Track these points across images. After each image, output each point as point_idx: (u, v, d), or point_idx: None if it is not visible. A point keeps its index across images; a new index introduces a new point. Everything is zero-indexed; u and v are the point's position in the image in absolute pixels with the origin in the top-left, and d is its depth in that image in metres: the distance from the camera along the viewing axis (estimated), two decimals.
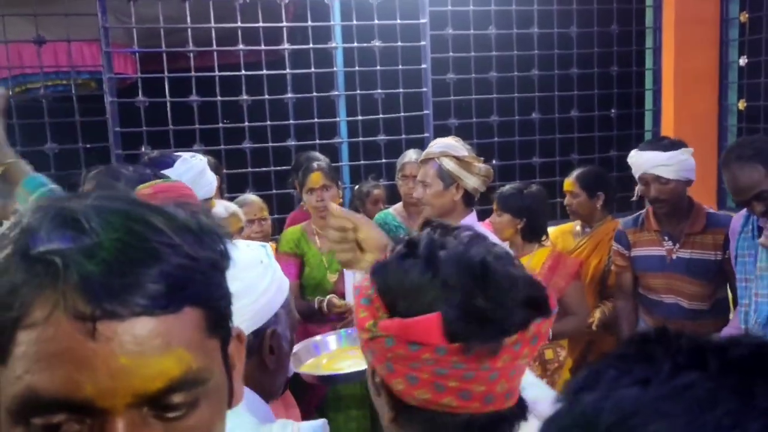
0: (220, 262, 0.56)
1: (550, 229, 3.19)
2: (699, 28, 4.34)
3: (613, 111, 4.49)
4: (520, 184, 2.86)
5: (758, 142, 2.09)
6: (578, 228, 3.09)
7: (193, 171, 1.61)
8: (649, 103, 4.55)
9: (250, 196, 2.95)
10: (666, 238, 2.66)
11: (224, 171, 3.73)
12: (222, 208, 2.37)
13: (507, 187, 2.85)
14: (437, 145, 2.24)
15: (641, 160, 2.64)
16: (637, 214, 2.87)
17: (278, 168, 3.88)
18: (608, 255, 2.97)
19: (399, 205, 3.19)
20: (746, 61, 4.25)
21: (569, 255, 2.94)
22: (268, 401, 1.07)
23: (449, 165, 2.18)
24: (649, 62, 4.51)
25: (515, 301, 0.77)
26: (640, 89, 4.56)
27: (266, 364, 1.02)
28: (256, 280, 0.99)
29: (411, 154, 3.17)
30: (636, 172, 2.70)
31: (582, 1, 4.31)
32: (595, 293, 2.98)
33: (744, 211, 2.30)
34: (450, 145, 2.24)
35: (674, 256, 2.60)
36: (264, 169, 3.86)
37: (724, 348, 0.38)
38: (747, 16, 4.22)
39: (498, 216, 2.77)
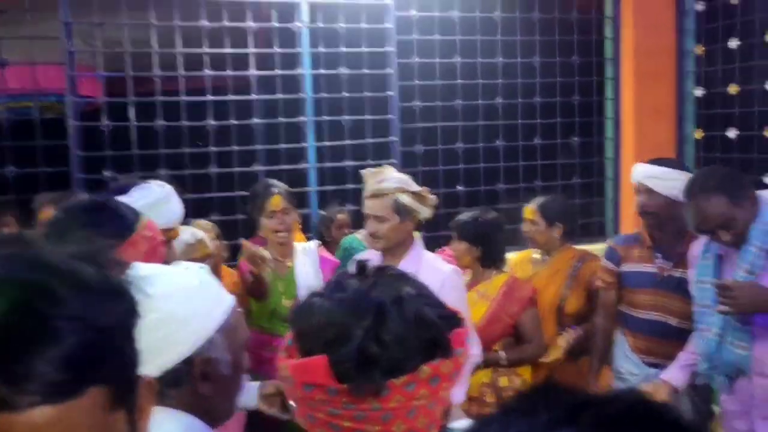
0: (128, 321, 0.53)
1: (511, 256, 3.23)
2: (656, 60, 4.48)
3: (575, 139, 4.59)
4: (477, 212, 2.89)
5: (719, 173, 2.15)
6: (537, 256, 3.13)
7: (149, 198, 1.60)
8: (609, 131, 4.67)
9: (201, 222, 2.92)
10: (659, 255, 2.70)
11: (189, 195, 3.73)
12: (189, 234, 2.35)
13: (464, 215, 2.89)
14: (391, 180, 2.27)
15: (638, 170, 2.75)
16: (630, 234, 2.97)
17: (244, 193, 3.88)
18: (565, 283, 3.01)
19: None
20: (702, 92, 4.40)
21: (525, 282, 2.99)
22: (215, 426, 1.06)
23: (406, 200, 2.24)
24: (609, 92, 4.64)
25: (408, 343, 0.79)
26: (601, 118, 4.68)
27: (200, 392, 1.00)
28: (175, 310, 0.96)
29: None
30: (633, 181, 2.78)
31: (544, 32, 4.42)
32: (552, 322, 3.00)
33: (704, 238, 2.36)
34: (403, 179, 2.30)
35: (666, 274, 2.65)
36: (229, 193, 3.85)
37: (601, 404, 0.38)
38: (703, 48, 4.38)
39: (457, 243, 2.80)
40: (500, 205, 4.40)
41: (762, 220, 2.08)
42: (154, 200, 1.61)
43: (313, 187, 4.03)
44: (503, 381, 2.70)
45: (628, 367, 2.77)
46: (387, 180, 2.24)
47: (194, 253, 2.29)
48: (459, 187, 4.30)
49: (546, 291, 3.01)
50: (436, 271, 2.23)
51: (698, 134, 4.45)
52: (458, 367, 0.83)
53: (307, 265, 2.77)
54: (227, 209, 3.84)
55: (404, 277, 0.88)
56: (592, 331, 2.91)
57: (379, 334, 0.79)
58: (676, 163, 2.79)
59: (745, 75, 4.07)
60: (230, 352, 1.04)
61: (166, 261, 1.72)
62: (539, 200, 3.11)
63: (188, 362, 0.98)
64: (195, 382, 1.00)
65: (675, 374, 2.35)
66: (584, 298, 3.02)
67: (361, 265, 0.89)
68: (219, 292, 1.08)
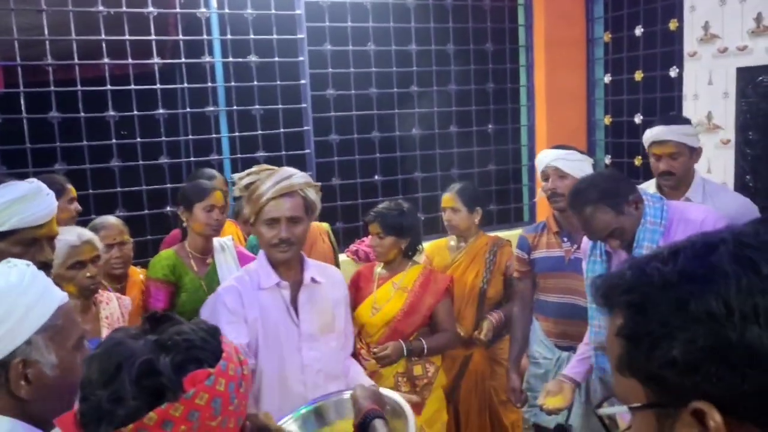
0: None
1: (426, 245, 3.21)
2: (567, 48, 4.57)
3: (490, 126, 4.62)
4: (394, 203, 2.82)
5: (599, 183, 2.14)
6: (452, 243, 3.12)
7: (14, 194, 1.45)
8: (524, 118, 4.73)
9: (109, 219, 2.74)
10: (565, 239, 2.74)
11: (91, 191, 3.53)
12: (74, 235, 2.20)
13: (383, 209, 2.75)
14: (296, 176, 2.02)
15: (545, 155, 2.79)
16: (538, 223, 2.99)
17: (150, 187, 3.70)
18: (485, 268, 3.03)
19: None
20: (610, 78, 4.51)
21: (442, 271, 2.98)
22: (47, 429, 1.03)
23: (312, 195, 2.04)
24: (523, 79, 4.69)
25: (131, 395, 0.85)
26: (516, 105, 4.73)
27: (20, 396, 0.99)
28: None
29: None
30: (539, 167, 2.80)
31: (457, 20, 4.42)
32: (475, 306, 3.01)
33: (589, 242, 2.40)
34: (304, 174, 2.07)
35: (572, 257, 2.68)
36: (135, 188, 3.67)
37: None
38: (610, 36, 4.48)
39: (380, 239, 2.70)
40: (418, 194, 4.39)
41: (646, 219, 2.13)
42: (20, 196, 1.49)
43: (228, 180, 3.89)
44: (417, 369, 2.69)
45: (541, 352, 2.80)
46: (294, 176, 1.99)
47: (80, 255, 2.14)
48: (376, 177, 4.26)
49: (466, 276, 3.02)
50: (331, 277, 2.17)
51: (607, 120, 4.57)
52: (194, 407, 0.86)
53: (228, 261, 2.68)
54: (133, 205, 3.66)
55: (179, 323, 0.94)
56: (509, 315, 2.93)
57: (115, 389, 0.85)
58: (575, 147, 2.86)
59: (649, 62, 4.19)
60: (57, 353, 1.02)
61: (41, 261, 1.59)
62: (457, 187, 3.09)
63: (3, 365, 0.97)
64: (12, 385, 0.98)
65: (575, 369, 2.39)
66: (502, 283, 3.05)
67: (152, 317, 0.95)
68: (44, 291, 1.06)
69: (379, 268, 2.79)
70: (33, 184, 1.58)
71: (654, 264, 0.63)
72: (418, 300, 2.68)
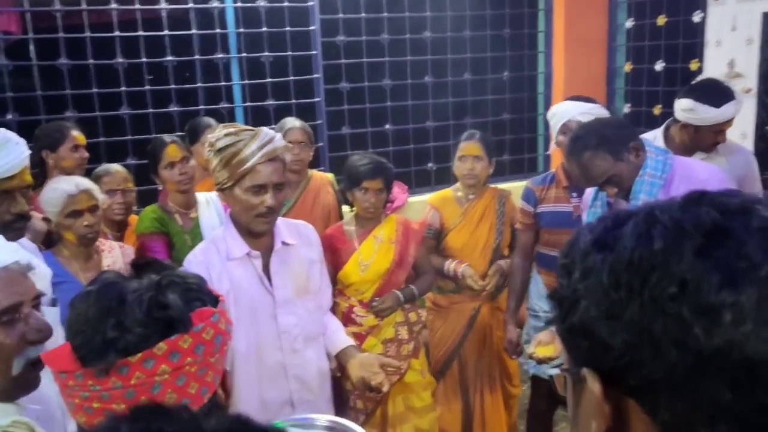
0: None
1: (428, 196, 3.19)
2: None
3: (505, 74, 4.51)
4: (370, 156, 2.68)
5: (599, 129, 2.09)
6: (459, 194, 3.07)
7: None
8: (541, 65, 4.60)
9: (113, 166, 2.76)
10: (574, 194, 2.70)
11: (102, 138, 3.56)
12: (72, 184, 2.23)
13: (376, 162, 2.62)
14: (277, 138, 1.89)
15: (567, 108, 2.72)
16: (546, 173, 2.91)
17: (160, 135, 3.71)
18: (498, 220, 3.01)
19: None
20: (633, 23, 4.34)
21: (454, 224, 2.98)
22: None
23: (287, 159, 1.95)
24: (541, 24, 4.55)
25: (140, 325, 0.85)
26: (533, 51, 4.60)
27: None
28: None
29: (293, 121, 3.08)
30: (559, 121, 2.73)
31: None
32: (487, 259, 2.98)
33: (592, 190, 2.35)
34: (279, 135, 1.93)
35: (581, 212, 2.63)
36: (145, 136, 3.68)
37: None
38: None
39: (379, 194, 2.62)
40: (429, 144, 4.34)
41: (646, 171, 2.07)
42: None
43: None
44: (413, 316, 2.73)
45: (541, 305, 2.80)
46: (274, 138, 1.87)
47: (77, 204, 2.18)
48: (387, 126, 4.21)
49: (481, 229, 2.99)
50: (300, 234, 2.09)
51: (628, 67, 4.42)
52: (201, 340, 0.88)
53: (212, 216, 2.68)
54: (143, 153, 3.68)
55: (169, 267, 0.96)
56: (510, 268, 2.92)
57: (119, 320, 0.85)
58: (594, 99, 2.82)
59: (672, 5, 4.02)
60: None
61: (16, 212, 1.61)
62: (479, 134, 2.99)
63: None
64: None
65: None
66: (510, 234, 3.03)
67: (137, 263, 0.96)
68: None
69: (350, 226, 2.73)
70: (0, 133, 1.57)
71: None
72: (405, 249, 2.70)
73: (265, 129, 1.90)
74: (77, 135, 2.86)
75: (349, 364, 2.06)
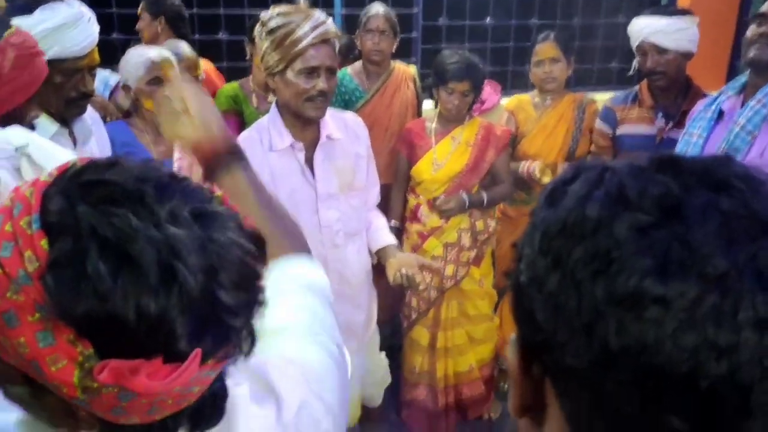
0: None
1: (505, 100, 3.03)
2: None
3: None
4: (462, 54, 2.51)
5: None
6: (537, 99, 2.88)
7: (54, 20, 1.49)
8: None
9: (185, 49, 2.73)
10: (660, 115, 2.47)
11: (195, 10, 3.57)
12: (155, 52, 2.26)
13: (466, 60, 2.46)
14: (330, 22, 1.79)
15: (639, 27, 2.45)
16: (629, 90, 2.67)
17: (228, 11, 3.65)
18: (575, 126, 2.84)
19: (358, 64, 3.02)
20: None
21: (529, 129, 2.84)
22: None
23: (338, 45, 1.87)
24: None
25: None
26: None
27: None
28: None
29: (377, 7, 2.94)
30: (634, 42, 2.49)
31: None
32: (560, 166, 2.85)
33: (710, 98, 2.11)
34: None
35: (665, 136, 2.43)
36: (211, 10, 3.63)
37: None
38: None
39: (464, 97, 2.48)
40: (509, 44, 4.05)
41: None
42: (60, 24, 1.50)
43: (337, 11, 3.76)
44: (480, 225, 2.66)
45: None
46: (327, 20, 1.80)
47: (159, 71, 2.20)
48: (488, 20, 3.95)
49: (556, 134, 2.84)
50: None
51: None
52: None
53: None
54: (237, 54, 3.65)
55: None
56: None
57: None
58: (678, 11, 2.44)
59: None
60: None
61: (83, 91, 1.65)
62: (552, 34, 2.75)
63: None
64: None
65: None
66: (588, 144, 2.86)
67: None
68: None
69: (431, 123, 2.64)
70: (74, 9, 1.56)
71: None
72: (482, 154, 2.59)
73: (317, 11, 1.82)
74: None
75: (388, 262, 2.04)
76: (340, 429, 0.80)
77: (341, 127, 2.00)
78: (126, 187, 0.57)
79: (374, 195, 2.18)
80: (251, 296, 0.62)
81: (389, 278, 2.01)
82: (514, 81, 4.07)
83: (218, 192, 0.67)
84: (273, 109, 1.95)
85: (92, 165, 0.62)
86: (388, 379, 2.50)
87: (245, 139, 1.93)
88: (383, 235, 2.13)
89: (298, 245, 1.07)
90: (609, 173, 0.47)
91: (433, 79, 2.57)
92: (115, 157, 0.66)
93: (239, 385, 0.67)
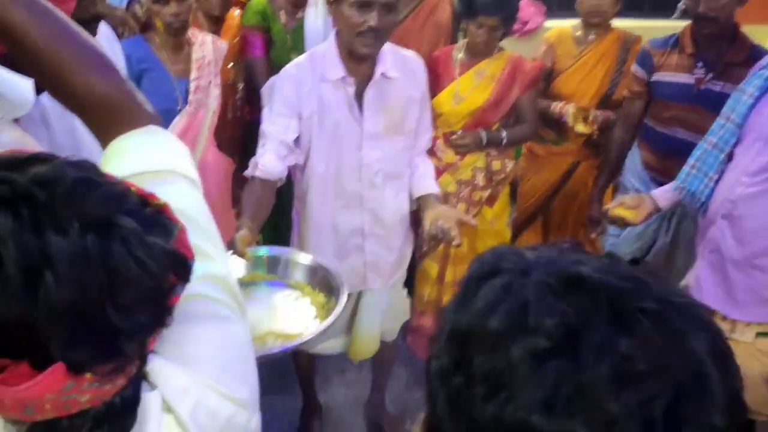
0: None
1: (546, 32, 2.86)
2: None
3: None
4: None
5: None
6: (579, 33, 2.72)
7: None
8: None
9: None
10: (700, 64, 2.30)
11: None
12: None
13: None
14: None
15: None
16: (670, 35, 2.49)
17: None
18: (615, 68, 2.68)
19: None
20: None
21: (567, 65, 2.70)
22: None
23: None
24: None
25: None
26: None
27: None
28: None
29: None
30: None
31: None
32: (594, 108, 2.72)
33: None
34: None
35: (703, 87, 2.28)
36: None
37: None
38: None
39: (493, 31, 2.36)
40: None
41: None
42: None
43: None
44: (496, 165, 2.57)
45: (634, 182, 2.54)
46: None
47: None
48: None
49: (595, 73, 2.71)
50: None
51: None
52: None
53: (318, 19, 2.57)
54: None
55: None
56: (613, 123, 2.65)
57: None
58: None
59: None
60: None
61: (93, 14, 1.63)
62: None
63: None
64: None
65: (665, 192, 2.04)
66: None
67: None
68: None
69: (460, 54, 2.51)
70: None
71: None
72: (506, 90, 2.47)
73: None
74: None
75: (426, 212, 1.98)
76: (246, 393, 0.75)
77: (399, 65, 1.92)
78: (18, 189, 0.57)
79: (425, 140, 2.12)
80: (146, 315, 0.61)
81: (425, 228, 1.96)
82: (561, 2, 3.81)
83: (158, 201, 0.66)
84: (331, 38, 1.88)
85: (4, 159, 0.61)
86: (408, 314, 2.53)
87: (297, 65, 1.88)
88: (426, 182, 2.08)
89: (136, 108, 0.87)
90: (518, 284, 0.47)
91: (462, 8, 2.44)
92: (49, 155, 0.65)
93: (151, 390, 0.68)
